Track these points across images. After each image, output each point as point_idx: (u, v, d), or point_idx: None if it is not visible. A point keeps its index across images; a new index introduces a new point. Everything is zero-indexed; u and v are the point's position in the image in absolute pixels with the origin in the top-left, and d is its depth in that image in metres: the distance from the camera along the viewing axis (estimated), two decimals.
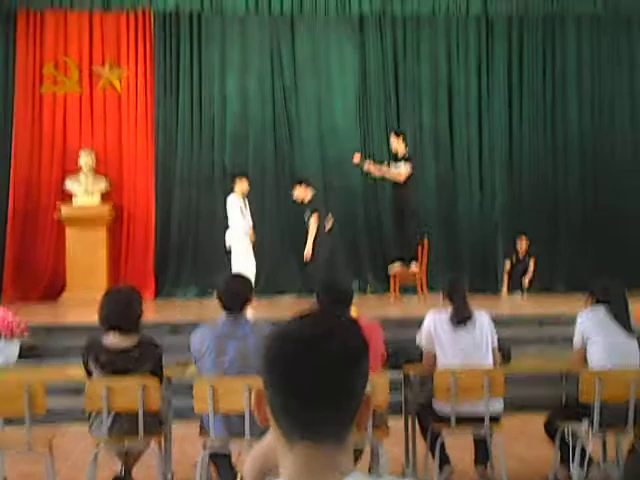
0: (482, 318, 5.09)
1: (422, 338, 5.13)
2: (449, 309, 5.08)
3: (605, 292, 4.99)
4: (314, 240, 9.88)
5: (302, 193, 10.16)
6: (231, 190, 10.24)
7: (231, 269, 9.94)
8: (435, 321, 5.05)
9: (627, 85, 12.35)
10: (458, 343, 4.95)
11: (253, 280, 9.97)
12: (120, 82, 11.69)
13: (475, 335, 4.99)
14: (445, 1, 11.90)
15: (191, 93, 11.85)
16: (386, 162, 10.79)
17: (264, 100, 11.94)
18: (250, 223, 10.30)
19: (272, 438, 1.41)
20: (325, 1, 11.77)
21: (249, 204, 10.34)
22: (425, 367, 5.11)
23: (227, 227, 10.18)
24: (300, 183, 10.22)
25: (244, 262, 10.07)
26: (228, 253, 10.21)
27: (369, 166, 10.72)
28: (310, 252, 9.86)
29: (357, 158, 10.69)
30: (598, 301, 4.99)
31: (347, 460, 1.36)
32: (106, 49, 11.70)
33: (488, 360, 4.99)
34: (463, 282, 5.27)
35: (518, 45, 12.26)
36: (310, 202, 10.11)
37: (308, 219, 9.95)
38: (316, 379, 1.32)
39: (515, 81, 12.25)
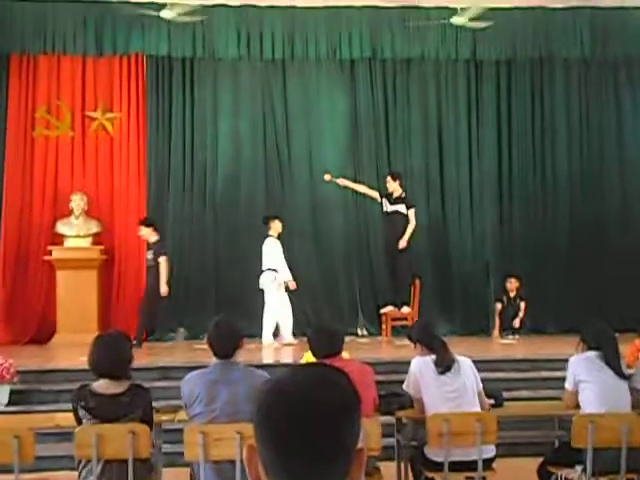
0: (465, 364, 5.07)
1: (409, 384, 5.09)
2: (431, 356, 5.04)
3: (596, 338, 5.00)
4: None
5: (148, 234, 10.36)
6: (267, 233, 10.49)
7: (263, 316, 10.29)
8: (421, 366, 5.02)
9: (615, 128, 12.46)
10: (444, 389, 4.92)
11: (291, 327, 10.16)
12: (113, 125, 11.74)
13: (460, 380, 4.96)
14: (434, 45, 12.02)
15: (183, 136, 11.91)
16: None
17: (256, 143, 12.02)
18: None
19: None
20: (316, 46, 11.89)
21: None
22: (417, 413, 5.08)
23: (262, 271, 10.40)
24: (146, 224, 10.44)
25: (280, 308, 10.31)
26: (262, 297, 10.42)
27: (343, 181, 10.98)
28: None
29: (328, 177, 10.86)
30: (590, 347, 5.00)
31: None
32: (99, 92, 11.77)
33: (475, 406, 4.97)
34: (435, 327, 5.25)
35: (506, 89, 12.38)
36: (156, 243, 10.33)
37: (155, 259, 10.19)
38: (308, 433, 1.32)
39: (504, 124, 12.35)
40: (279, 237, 10.53)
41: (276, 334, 10.43)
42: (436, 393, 4.91)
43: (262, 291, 10.45)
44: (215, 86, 12.00)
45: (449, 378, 4.93)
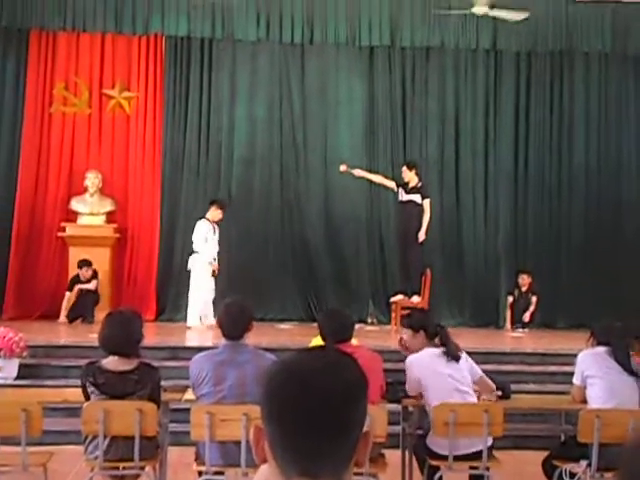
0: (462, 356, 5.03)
1: (410, 386, 5.04)
2: (429, 348, 5.00)
3: (606, 333, 4.97)
4: None
5: None
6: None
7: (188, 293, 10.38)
8: (418, 363, 4.96)
9: (633, 123, 12.38)
10: (448, 379, 4.87)
11: (203, 309, 10.21)
12: (129, 104, 11.76)
13: (461, 370, 4.93)
14: (455, 33, 11.97)
15: (199, 118, 11.91)
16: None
17: (271, 127, 12.00)
18: (214, 251, 10.53)
19: (268, 473, 1.40)
20: (335, 31, 11.86)
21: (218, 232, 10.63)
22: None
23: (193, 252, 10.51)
24: None
25: (200, 289, 10.30)
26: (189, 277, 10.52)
27: (359, 172, 10.89)
28: None
29: (344, 167, 10.80)
30: (600, 343, 4.98)
31: None
32: (117, 71, 11.79)
33: (472, 397, 4.94)
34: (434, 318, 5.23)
35: (525, 80, 12.31)
36: None
37: None
38: (315, 414, 1.33)
39: (522, 116, 12.29)
40: (218, 223, 10.59)
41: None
42: (439, 384, 4.86)
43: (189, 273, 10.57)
44: (233, 68, 11.98)
45: (451, 368, 4.89)
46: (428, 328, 5.11)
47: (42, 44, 11.65)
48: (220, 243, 10.71)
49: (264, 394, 1.37)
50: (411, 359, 5.02)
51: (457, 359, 4.91)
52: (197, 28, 11.67)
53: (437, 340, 5.05)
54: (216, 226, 10.59)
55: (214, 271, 10.54)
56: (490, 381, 5.14)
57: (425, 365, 4.91)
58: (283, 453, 1.34)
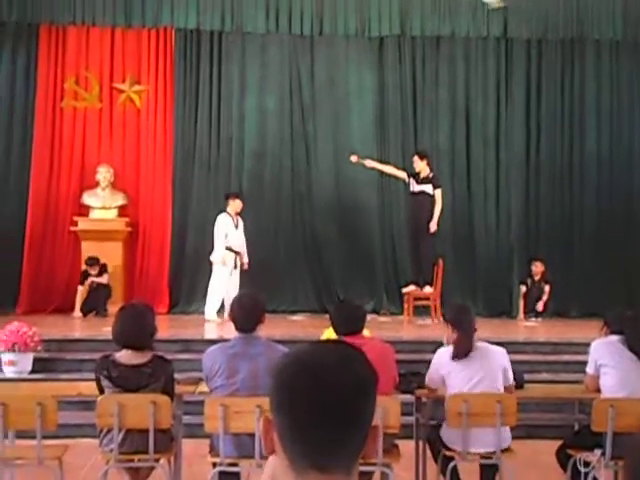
0: (495, 353, 4.93)
1: (430, 377, 5.03)
2: (452, 345, 4.97)
3: (620, 322, 4.95)
4: None
5: None
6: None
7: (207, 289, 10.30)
8: (442, 359, 4.95)
9: None
10: (463, 374, 4.84)
11: (219, 303, 10.13)
12: (140, 98, 11.77)
13: (481, 369, 4.85)
14: (465, 22, 11.93)
15: (210, 110, 11.91)
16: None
17: (282, 119, 11.99)
18: (238, 244, 10.37)
19: (277, 465, 1.41)
20: (345, 22, 11.83)
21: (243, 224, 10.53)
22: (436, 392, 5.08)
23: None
24: None
25: (219, 283, 10.18)
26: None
27: (370, 162, 10.84)
28: None
29: (355, 158, 10.76)
30: (613, 332, 4.96)
31: None
32: (127, 65, 11.80)
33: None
34: (468, 313, 5.13)
35: (536, 69, 12.24)
36: None
37: None
38: (326, 407, 1.33)
39: (533, 105, 12.23)
40: (240, 215, 10.47)
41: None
42: (456, 379, 4.85)
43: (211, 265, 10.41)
44: (243, 60, 11.97)
45: (469, 365, 4.84)
46: (453, 322, 5.01)
47: (52, 39, 11.67)
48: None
49: (274, 386, 1.38)
50: (437, 355, 5.00)
51: (464, 357, 4.84)
52: (207, 21, 11.68)
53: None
54: (239, 218, 10.49)
55: (242, 264, 10.41)
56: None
57: (444, 362, 4.90)
58: (292, 445, 1.35)
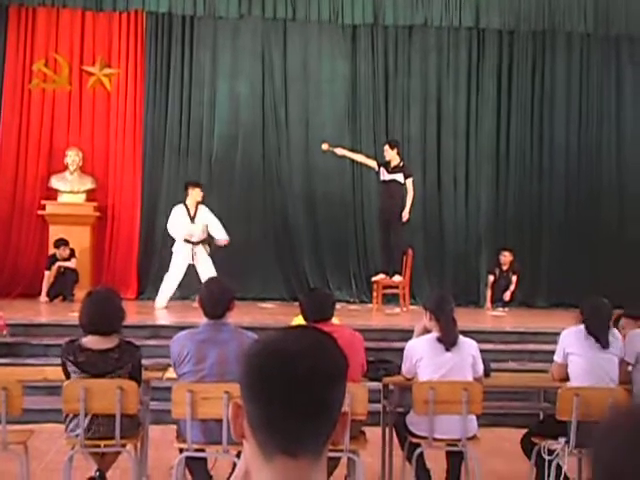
0: (467, 345, 4.97)
1: (405, 368, 5.04)
2: (432, 333, 4.98)
3: (586, 310, 5.01)
4: None
5: None
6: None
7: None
8: (415, 349, 4.96)
9: (614, 104, 12.43)
10: (437, 363, 4.87)
11: (170, 293, 10.06)
12: (110, 81, 11.65)
13: (454, 359, 4.88)
14: (438, 12, 11.95)
15: (181, 95, 11.83)
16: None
17: (254, 105, 11.94)
18: (197, 234, 10.03)
19: (246, 449, 1.41)
20: (318, 8, 11.80)
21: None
22: (403, 380, 5.10)
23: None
24: None
25: (173, 275, 10.04)
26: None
27: (341, 150, 10.74)
28: None
29: (326, 146, 10.68)
30: (584, 321, 5.00)
31: (322, 476, 1.37)
32: (97, 48, 11.67)
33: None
34: (449, 302, 5.12)
35: (508, 60, 12.31)
36: None
37: None
38: (296, 394, 1.33)
39: (504, 95, 12.30)
40: (200, 203, 10.07)
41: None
42: (427, 369, 4.86)
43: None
44: (215, 45, 11.90)
45: (439, 355, 4.86)
46: (433, 312, 5.00)
47: (21, 20, 11.51)
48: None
49: (244, 373, 1.37)
50: (409, 346, 5.01)
51: (452, 346, 4.86)
52: (178, 5, 11.59)
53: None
54: (200, 207, 10.07)
55: (212, 247, 10.08)
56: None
57: (419, 352, 4.91)
58: (262, 431, 1.35)
